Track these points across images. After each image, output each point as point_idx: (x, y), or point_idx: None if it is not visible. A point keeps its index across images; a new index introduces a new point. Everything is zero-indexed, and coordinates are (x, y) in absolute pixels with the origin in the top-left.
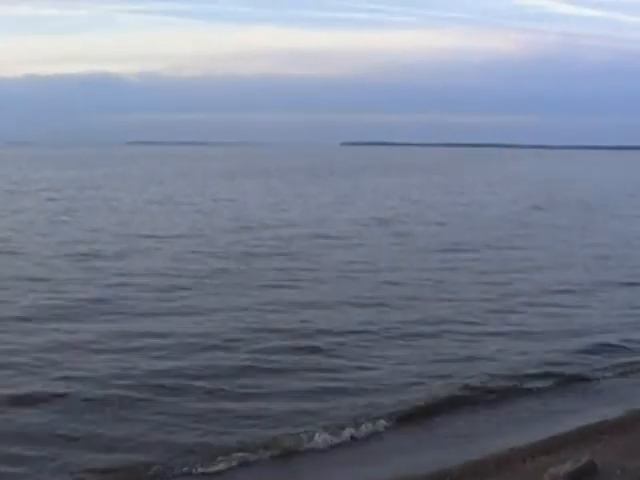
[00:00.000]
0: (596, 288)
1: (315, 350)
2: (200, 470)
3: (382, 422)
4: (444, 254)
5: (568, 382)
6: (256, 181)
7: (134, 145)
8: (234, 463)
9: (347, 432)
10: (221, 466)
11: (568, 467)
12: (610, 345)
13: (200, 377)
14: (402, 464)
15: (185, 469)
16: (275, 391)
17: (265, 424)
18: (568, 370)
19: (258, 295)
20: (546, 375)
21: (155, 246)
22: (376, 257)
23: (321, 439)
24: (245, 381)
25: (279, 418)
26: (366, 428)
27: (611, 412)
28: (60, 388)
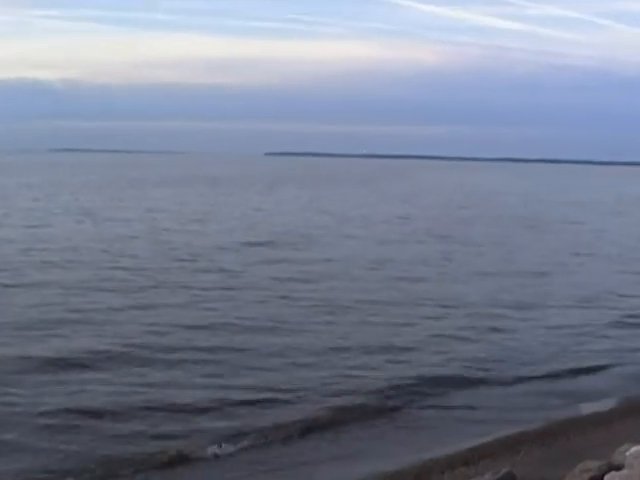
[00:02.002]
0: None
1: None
2: None
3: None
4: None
5: (485, 393)
6: (172, 191)
7: (58, 152)
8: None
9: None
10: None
11: (487, 478)
12: (520, 351)
13: None
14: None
15: None
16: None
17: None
18: (485, 379)
19: None
20: (462, 385)
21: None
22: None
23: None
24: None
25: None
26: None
27: (530, 421)
28: None
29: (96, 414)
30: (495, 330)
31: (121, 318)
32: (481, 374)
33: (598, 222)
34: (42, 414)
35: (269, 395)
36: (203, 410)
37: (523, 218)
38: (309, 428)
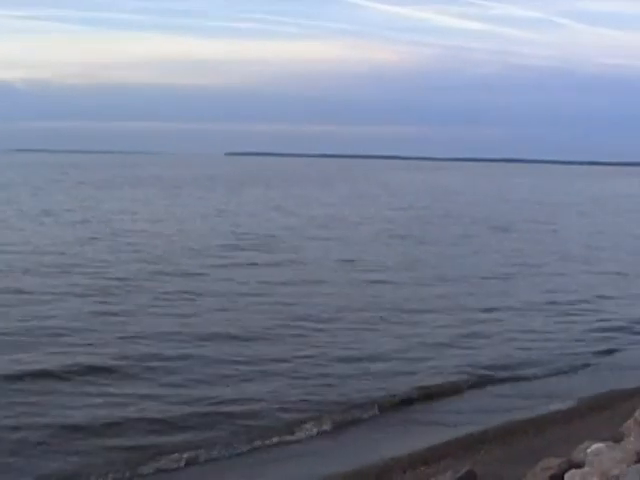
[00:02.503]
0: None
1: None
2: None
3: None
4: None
5: (444, 394)
6: (133, 192)
7: (24, 153)
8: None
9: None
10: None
11: (448, 477)
12: (484, 355)
13: None
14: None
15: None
16: None
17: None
18: (450, 382)
19: None
20: (425, 389)
21: None
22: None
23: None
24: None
25: None
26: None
27: (491, 422)
28: None
29: (66, 428)
30: (460, 335)
31: (83, 326)
32: (445, 378)
33: (560, 222)
34: (9, 429)
35: (233, 406)
36: (173, 422)
37: (486, 219)
38: (272, 429)
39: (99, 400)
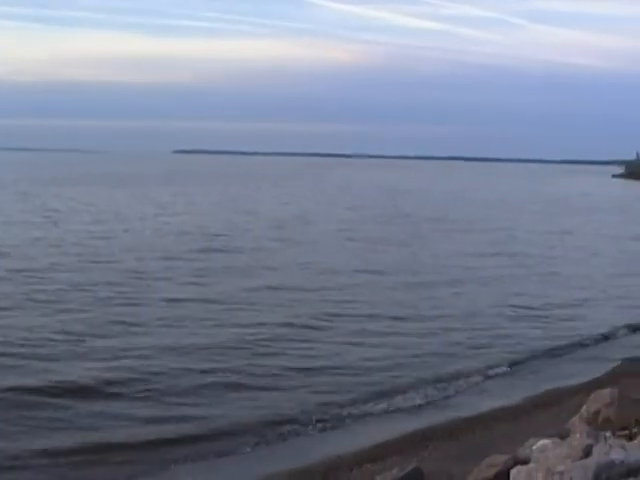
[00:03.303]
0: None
1: None
2: None
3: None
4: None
5: (394, 395)
6: (77, 190)
7: None
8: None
9: None
10: None
11: (395, 474)
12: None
13: None
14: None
15: None
16: None
17: None
18: (389, 383)
19: None
20: (372, 388)
21: None
22: None
23: None
24: None
25: None
26: None
27: (437, 419)
28: None
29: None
30: (415, 334)
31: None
32: (383, 379)
33: (510, 220)
34: None
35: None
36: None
37: (436, 217)
38: (220, 433)
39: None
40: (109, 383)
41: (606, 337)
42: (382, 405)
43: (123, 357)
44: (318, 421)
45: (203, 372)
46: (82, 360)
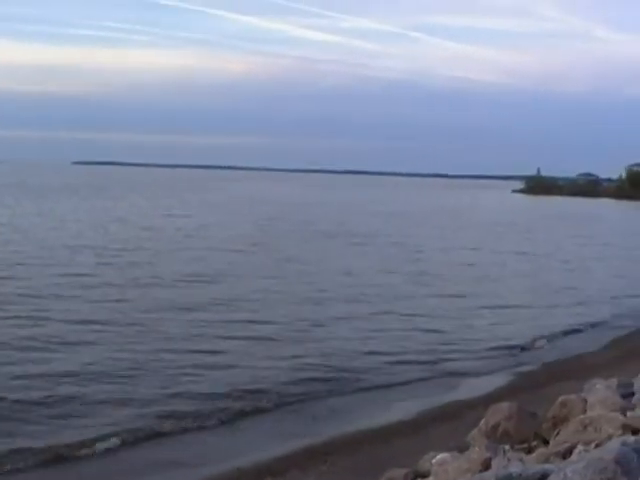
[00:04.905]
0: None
1: None
2: None
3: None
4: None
5: (289, 404)
6: None
7: None
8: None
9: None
10: None
11: None
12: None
13: None
14: None
15: None
16: None
17: None
18: (289, 392)
19: None
20: (277, 398)
21: None
22: None
23: None
24: None
25: None
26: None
27: (336, 432)
28: None
29: None
30: (293, 341)
31: None
32: (285, 389)
33: (404, 234)
34: None
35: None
36: None
37: (331, 231)
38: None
39: None
40: None
41: (513, 348)
42: (276, 416)
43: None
44: (218, 433)
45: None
46: None
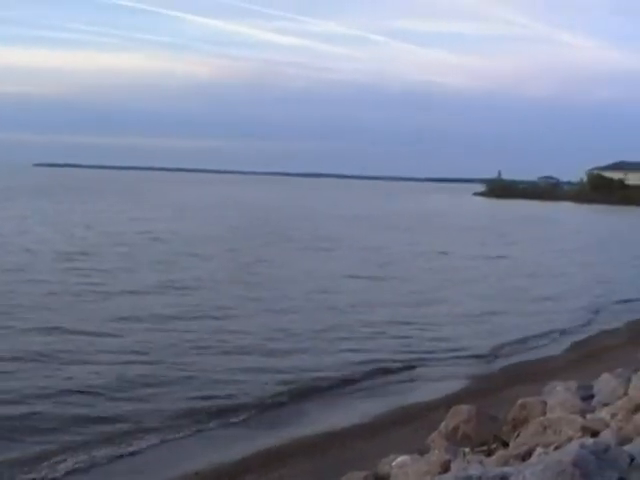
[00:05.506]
0: None
1: None
2: None
3: None
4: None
5: (249, 408)
6: None
7: None
8: None
9: None
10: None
11: None
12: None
13: None
14: None
15: None
16: None
17: None
18: (250, 397)
19: None
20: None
21: None
22: None
23: None
24: None
25: None
26: None
27: (294, 435)
28: None
29: None
30: (261, 352)
31: None
32: (247, 393)
33: (369, 238)
34: None
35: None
36: None
37: (295, 236)
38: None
39: None
40: None
41: (474, 352)
42: (234, 420)
43: None
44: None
45: None
46: None
